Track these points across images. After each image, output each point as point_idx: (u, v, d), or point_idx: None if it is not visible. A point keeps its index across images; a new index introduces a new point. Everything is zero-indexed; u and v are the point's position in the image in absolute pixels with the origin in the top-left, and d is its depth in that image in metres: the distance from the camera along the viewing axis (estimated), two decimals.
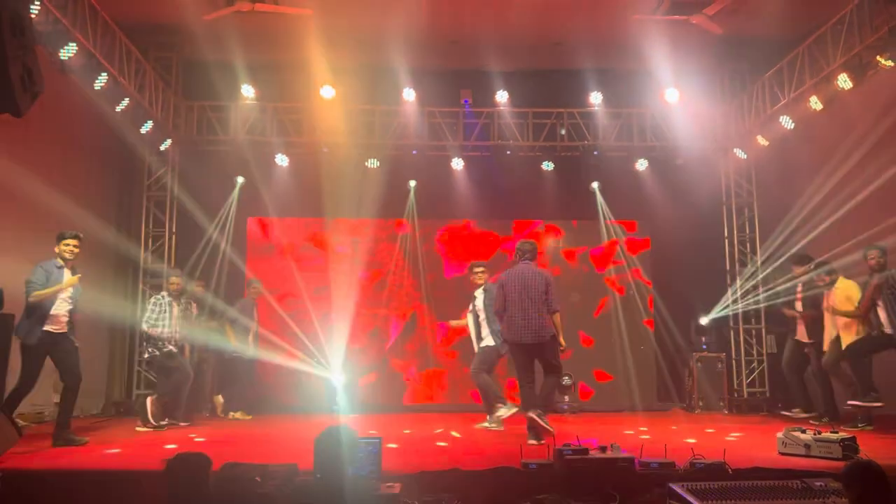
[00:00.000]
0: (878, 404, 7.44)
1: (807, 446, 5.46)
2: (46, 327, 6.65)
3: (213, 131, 10.90)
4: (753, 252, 11.28)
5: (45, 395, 8.92)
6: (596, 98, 10.94)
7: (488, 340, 8.19)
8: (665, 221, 11.28)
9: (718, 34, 9.42)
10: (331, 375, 10.56)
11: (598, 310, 11.53)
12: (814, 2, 8.93)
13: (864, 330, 7.78)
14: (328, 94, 10.45)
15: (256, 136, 10.85)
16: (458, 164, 11.23)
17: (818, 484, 4.22)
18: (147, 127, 9.74)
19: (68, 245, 6.88)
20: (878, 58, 7.69)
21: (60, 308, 6.78)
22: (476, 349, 8.43)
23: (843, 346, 7.91)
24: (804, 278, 8.97)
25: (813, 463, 5.13)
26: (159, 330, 8.39)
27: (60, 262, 6.87)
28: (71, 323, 6.93)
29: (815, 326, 8.68)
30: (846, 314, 7.94)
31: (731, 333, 11.21)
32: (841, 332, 8.03)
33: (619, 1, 9.40)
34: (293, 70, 10.49)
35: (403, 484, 4.39)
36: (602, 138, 11.07)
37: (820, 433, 5.51)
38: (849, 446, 5.28)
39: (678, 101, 10.67)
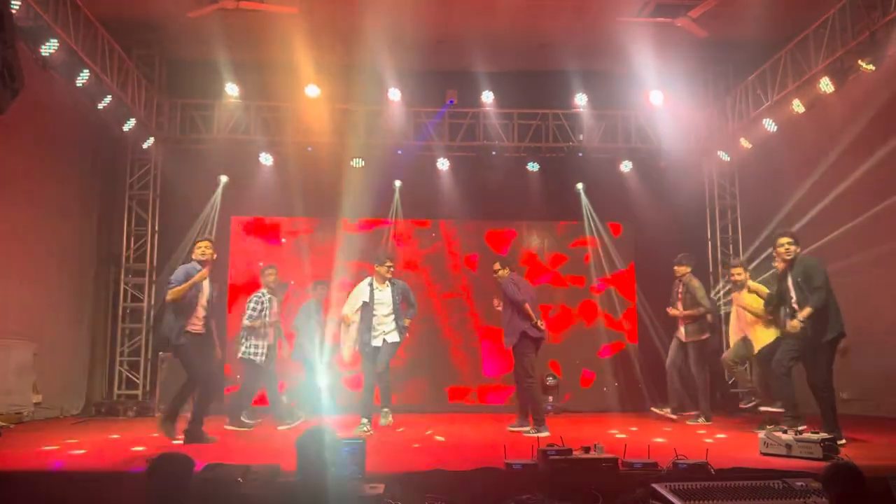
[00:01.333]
0: (780, 410, 6.96)
1: (788, 446, 5.50)
2: (188, 328, 6.72)
3: (197, 130, 10.84)
4: (736, 254, 11.36)
5: (23, 396, 8.83)
6: (581, 99, 10.98)
7: (394, 336, 7.86)
8: (649, 223, 11.33)
9: (702, 37, 9.48)
10: (315, 377, 10.49)
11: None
12: (796, 6, 9.02)
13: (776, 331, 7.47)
14: (313, 93, 10.42)
15: (240, 134, 10.80)
16: (443, 164, 11.23)
17: (799, 484, 4.25)
18: (129, 125, 9.67)
19: (200, 247, 6.94)
20: (859, 62, 7.76)
21: (199, 311, 6.83)
22: (362, 342, 7.78)
23: (758, 348, 7.72)
24: (685, 279, 8.91)
25: (794, 463, 5.16)
26: (258, 327, 8.22)
27: (199, 265, 6.89)
28: (209, 326, 6.98)
29: (695, 326, 8.70)
30: (755, 313, 7.72)
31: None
32: (751, 330, 7.86)
33: (604, 3, 9.44)
34: (278, 69, 10.45)
35: (387, 484, 4.37)
36: (587, 140, 11.12)
37: (801, 433, 5.56)
38: (829, 447, 5.32)
39: (662, 104, 10.74)
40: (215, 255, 7.09)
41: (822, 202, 9.77)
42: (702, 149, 11.29)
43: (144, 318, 10.71)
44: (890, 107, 8.38)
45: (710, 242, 11.58)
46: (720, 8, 8.97)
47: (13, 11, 6.45)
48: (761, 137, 9.98)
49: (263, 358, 8.22)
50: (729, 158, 10.97)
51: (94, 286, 10.85)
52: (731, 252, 11.46)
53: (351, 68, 10.73)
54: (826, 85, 8.28)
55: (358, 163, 11.09)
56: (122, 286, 10.71)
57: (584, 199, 11.62)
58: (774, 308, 7.18)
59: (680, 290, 9.00)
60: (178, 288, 6.62)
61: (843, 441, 6.11)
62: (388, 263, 7.97)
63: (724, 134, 10.77)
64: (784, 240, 6.70)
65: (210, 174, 11.03)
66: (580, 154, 11.31)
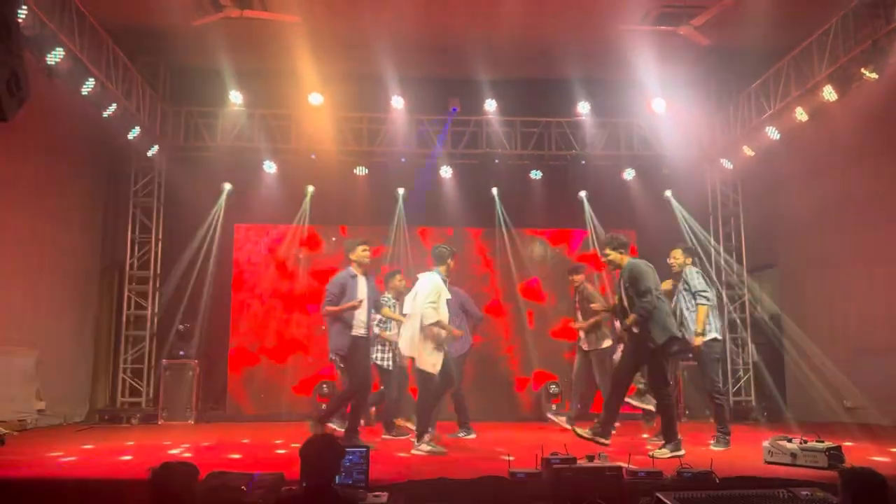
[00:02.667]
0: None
1: (793, 455, 5.49)
2: (353, 332, 6.79)
3: (201, 137, 10.86)
4: (739, 262, 11.36)
5: (27, 403, 8.83)
6: (584, 107, 10.99)
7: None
8: (651, 230, 11.31)
9: (705, 45, 9.49)
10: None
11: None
12: (799, 14, 9.01)
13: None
14: (316, 100, 10.44)
15: (244, 142, 10.82)
16: (446, 171, 11.23)
17: (804, 493, 4.24)
18: (134, 133, 9.70)
19: (357, 251, 6.96)
20: (862, 70, 7.77)
21: (363, 314, 6.88)
22: (441, 361, 6.74)
23: None
24: (580, 287, 8.69)
25: (799, 472, 5.15)
26: (388, 333, 8.03)
27: (354, 270, 6.92)
28: (369, 328, 7.04)
29: (594, 335, 8.37)
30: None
31: None
32: None
33: (606, 11, 9.44)
34: (281, 77, 10.48)
35: (390, 493, 4.37)
36: (589, 148, 11.13)
37: (806, 442, 5.55)
38: (834, 455, 5.31)
39: (665, 111, 10.72)
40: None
41: (825, 210, 9.77)
42: (704, 156, 11.30)
43: (148, 325, 10.72)
44: (893, 115, 8.38)
45: (713, 250, 11.56)
46: (723, 16, 8.98)
47: (19, 20, 6.49)
48: (764, 145, 9.98)
49: (391, 363, 8.07)
50: (732, 166, 10.97)
51: (98, 293, 10.87)
52: (735, 259, 11.44)
53: (354, 76, 10.76)
54: (829, 93, 8.28)
55: (361, 170, 11.12)
56: (125, 294, 10.72)
57: (587, 208, 11.59)
58: (618, 315, 6.68)
59: (577, 300, 8.74)
60: (331, 309, 6.78)
61: (682, 452, 6.05)
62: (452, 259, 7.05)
63: (727, 142, 10.77)
64: (605, 250, 6.46)
65: (214, 182, 11.05)
66: (583, 162, 11.31)
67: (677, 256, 7.28)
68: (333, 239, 11.34)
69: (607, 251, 6.46)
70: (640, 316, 6.14)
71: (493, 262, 11.64)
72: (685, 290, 7.08)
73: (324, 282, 11.12)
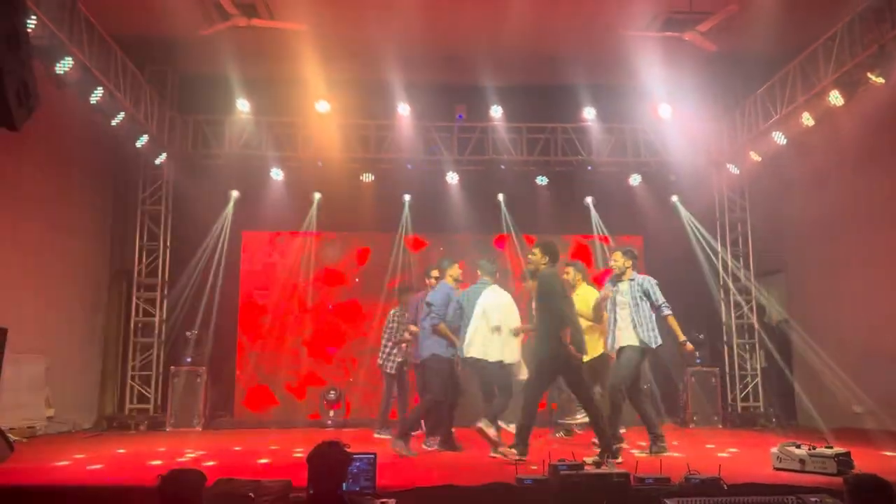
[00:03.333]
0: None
1: (801, 461, 5.47)
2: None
3: (209, 145, 10.90)
4: (746, 267, 11.33)
5: (36, 410, 8.88)
6: (590, 113, 10.99)
7: None
8: (658, 236, 11.30)
9: (711, 51, 9.49)
10: (324, 391, 10.52)
11: None
12: (805, 19, 9.01)
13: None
14: (323, 108, 10.47)
15: (251, 150, 10.85)
16: (452, 178, 11.25)
17: (813, 499, 4.23)
18: (142, 141, 9.75)
19: (455, 268, 7.35)
20: (868, 74, 7.75)
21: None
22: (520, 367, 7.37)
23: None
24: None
25: (808, 478, 5.12)
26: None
27: (453, 283, 7.25)
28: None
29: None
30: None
31: (725, 348, 11.22)
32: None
33: (612, 17, 9.46)
34: (288, 84, 10.52)
35: (398, 500, 4.37)
36: (596, 153, 11.13)
37: (815, 448, 5.52)
38: (843, 461, 5.29)
39: (671, 117, 10.72)
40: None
41: (832, 214, 9.74)
42: (711, 162, 11.27)
43: (156, 332, 10.75)
44: None
45: (720, 255, 11.54)
46: (729, 22, 8.98)
47: (29, 30, 6.54)
48: (771, 150, 9.95)
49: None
50: (738, 171, 10.95)
51: (107, 300, 10.92)
52: (742, 265, 11.41)
53: (360, 83, 10.79)
54: (835, 98, 8.26)
55: (368, 177, 11.14)
56: (133, 301, 10.77)
57: (593, 214, 11.57)
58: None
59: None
60: (445, 330, 7.05)
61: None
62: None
63: (734, 147, 10.75)
64: (533, 249, 6.48)
65: (221, 189, 11.09)
66: (589, 168, 11.31)
67: (617, 259, 7.14)
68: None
69: (535, 250, 6.42)
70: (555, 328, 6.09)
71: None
72: (640, 297, 6.87)
73: (330, 287, 11.29)
